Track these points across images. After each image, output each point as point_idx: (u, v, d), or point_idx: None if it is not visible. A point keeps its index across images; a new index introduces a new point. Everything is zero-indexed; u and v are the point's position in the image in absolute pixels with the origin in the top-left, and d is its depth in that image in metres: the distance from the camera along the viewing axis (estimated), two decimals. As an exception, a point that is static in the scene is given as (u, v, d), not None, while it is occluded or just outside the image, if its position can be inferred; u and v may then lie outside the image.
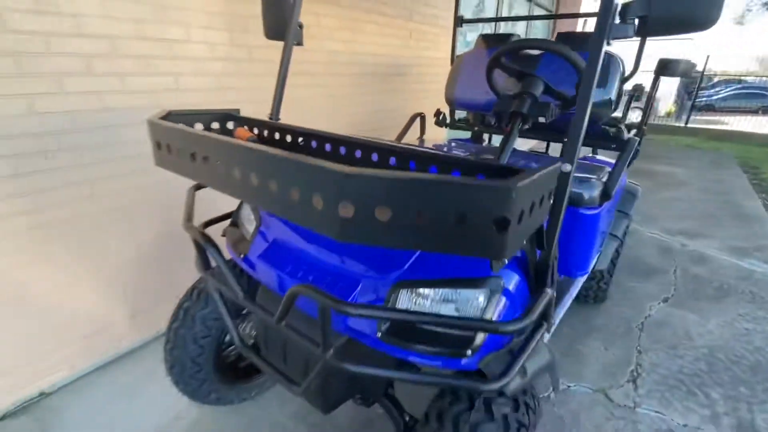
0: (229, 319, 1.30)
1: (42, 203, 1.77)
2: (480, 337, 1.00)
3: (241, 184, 0.80)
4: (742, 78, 17.33)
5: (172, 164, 1.01)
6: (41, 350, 1.92)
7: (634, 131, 2.34)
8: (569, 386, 2.11)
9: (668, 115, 13.35)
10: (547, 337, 1.61)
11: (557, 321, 1.78)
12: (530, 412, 1.11)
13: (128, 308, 2.20)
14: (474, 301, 1.02)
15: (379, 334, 1.05)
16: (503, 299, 1.04)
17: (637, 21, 0.95)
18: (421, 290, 1.05)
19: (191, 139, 0.91)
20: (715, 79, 16.10)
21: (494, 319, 1.01)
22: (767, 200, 5.29)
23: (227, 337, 1.76)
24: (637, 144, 2.21)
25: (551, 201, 0.89)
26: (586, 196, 1.85)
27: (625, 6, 0.95)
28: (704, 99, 15.54)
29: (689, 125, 10.74)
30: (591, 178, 1.93)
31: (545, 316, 1.07)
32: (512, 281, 1.08)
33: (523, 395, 1.13)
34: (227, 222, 1.58)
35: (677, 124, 11.00)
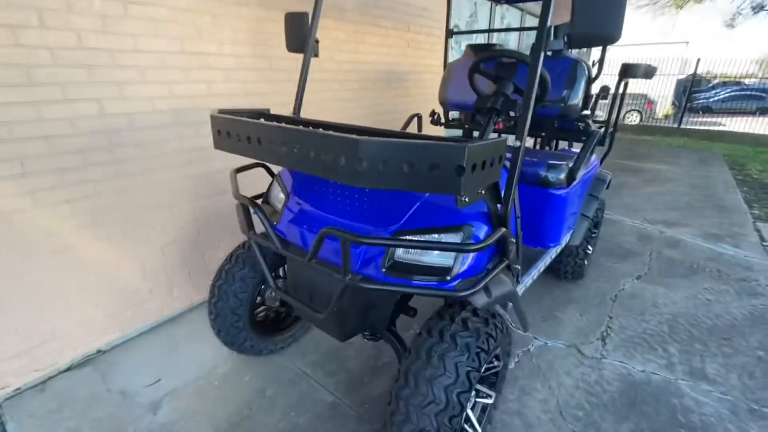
0: (267, 267, 1.67)
1: (102, 189, 2.15)
2: (456, 267, 1.37)
3: (287, 155, 1.18)
4: (741, 80, 17.62)
5: (230, 146, 1.39)
6: (97, 315, 2.30)
7: (604, 127, 2.70)
8: (546, 343, 2.46)
9: (666, 117, 13.65)
10: (521, 288, 1.97)
11: (529, 279, 2.13)
12: (497, 330, 1.47)
13: (167, 283, 2.58)
14: (452, 240, 1.39)
15: (384, 269, 1.42)
16: (473, 242, 1.41)
17: (565, 37, 1.32)
18: (414, 237, 1.42)
19: (248, 126, 1.29)
20: (714, 81, 16.39)
21: (459, 258, 1.38)
22: (748, 194, 5.61)
23: (258, 299, 2.14)
24: (602, 136, 2.58)
25: (501, 164, 1.26)
26: (553, 178, 2.22)
27: (556, 27, 1.32)
28: (702, 101, 15.84)
29: (683, 126, 11.07)
30: (560, 164, 2.30)
31: (504, 253, 1.44)
32: (481, 230, 1.45)
33: (492, 318, 1.49)
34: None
35: (672, 126, 11.34)
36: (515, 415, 1.95)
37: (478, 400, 1.70)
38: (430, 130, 3.26)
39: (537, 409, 1.98)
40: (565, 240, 2.53)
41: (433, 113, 3.21)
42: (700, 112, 15.46)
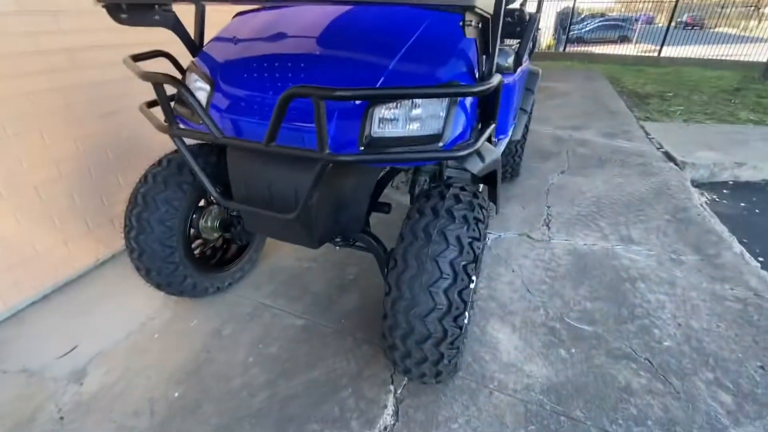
0: (201, 171, 1.32)
1: None
2: (447, 133, 1.20)
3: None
4: (605, 13, 19.80)
5: None
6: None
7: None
8: (500, 235, 2.53)
9: (548, 47, 14.83)
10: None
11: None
12: (482, 208, 1.38)
13: (57, 235, 2.00)
14: (439, 104, 1.21)
15: (361, 148, 1.19)
16: (457, 108, 1.24)
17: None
18: (393, 102, 1.19)
19: None
20: (583, 14, 18.12)
21: (451, 121, 1.21)
22: (627, 101, 6.40)
23: (192, 231, 1.76)
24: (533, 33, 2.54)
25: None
26: (504, 62, 2.13)
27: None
28: (576, 32, 17.48)
29: (566, 51, 12.11)
30: (506, 48, 2.21)
31: (491, 114, 1.31)
32: (467, 100, 1.28)
33: (476, 198, 1.39)
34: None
35: (558, 51, 12.32)
36: (489, 299, 1.98)
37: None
38: None
39: (507, 291, 2.04)
40: (510, 132, 2.54)
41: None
42: (575, 42, 17.09)
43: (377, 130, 1.21)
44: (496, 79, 1.17)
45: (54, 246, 1.99)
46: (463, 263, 1.19)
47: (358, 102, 1.19)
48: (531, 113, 3.14)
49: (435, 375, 1.32)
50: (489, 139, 1.45)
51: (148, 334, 1.78)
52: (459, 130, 1.23)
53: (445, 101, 1.21)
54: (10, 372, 1.60)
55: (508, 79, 2.18)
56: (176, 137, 1.30)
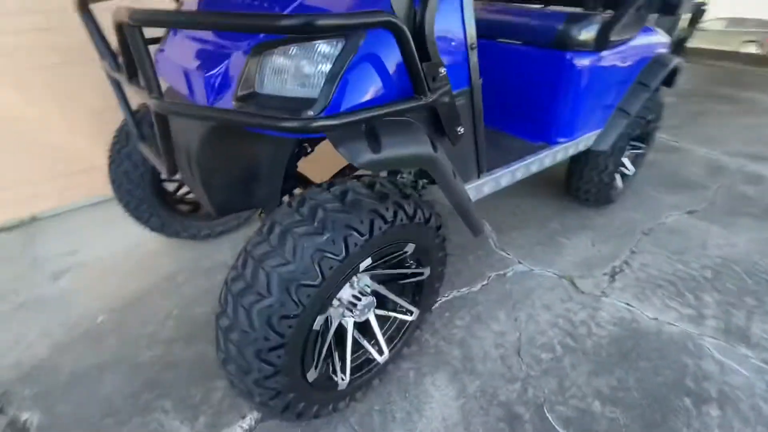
0: (126, 108, 1.25)
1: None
2: (323, 99, 0.84)
3: None
4: None
5: None
6: (35, 180, 2.12)
7: None
8: (532, 269, 1.91)
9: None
10: (486, 182, 1.40)
11: (505, 175, 1.51)
12: (406, 215, 0.97)
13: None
14: (326, 50, 0.85)
15: (233, 101, 0.93)
16: (361, 59, 0.85)
17: None
18: (278, 49, 0.89)
19: None
20: None
21: (339, 81, 0.83)
22: None
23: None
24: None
25: None
26: (575, 34, 1.50)
27: None
28: None
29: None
30: (589, 17, 1.55)
31: (423, 89, 0.87)
32: (381, 50, 0.88)
33: (403, 198, 0.98)
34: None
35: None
36: (456, 344, 1.51)
37: (395, 314, 1.27)
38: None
39: (488, 342, 1.52)
40: (584, 140, 1.84)
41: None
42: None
43: (258, 86, 0.93)
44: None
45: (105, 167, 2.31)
46: (297, 284, 0.84)
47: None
48: (655, 121, 2.24)
49: (262, 408, 1.01)
50: (446, 129, 1.00)
51: (128, 258, 1.92)
52: (349, 100, 0.85)
53: (338, 46, 0.84)
54: (26, 256, 1.92)
55: (582, 59, 1.55)
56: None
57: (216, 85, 0.99)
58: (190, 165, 1.16)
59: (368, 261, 0.97)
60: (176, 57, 1.14)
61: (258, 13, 0.90)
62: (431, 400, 1.31)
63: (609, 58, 1.65)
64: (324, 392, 1.09)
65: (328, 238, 0.86)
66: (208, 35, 1.10)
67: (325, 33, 0.78)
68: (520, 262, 1.96)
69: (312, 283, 0.84)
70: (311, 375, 1.00)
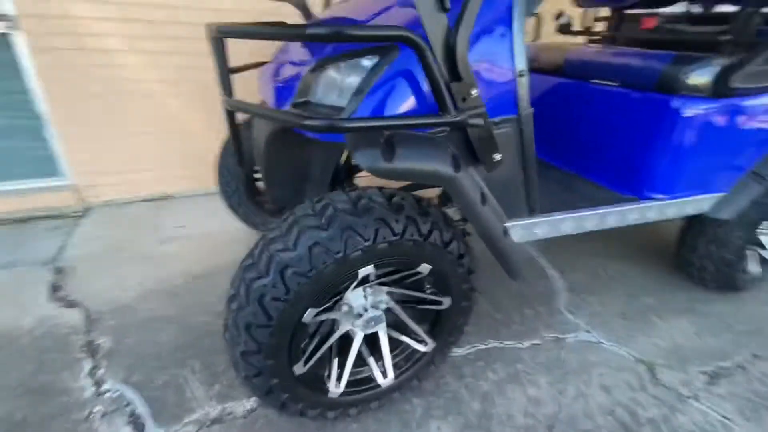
0: (234, 135, 1.47)
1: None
2: (351, 107, 0.90)
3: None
4: None
5: None
6: (174, 165, 2.68)
7: None
8: (601, 342, 1.61)
9: None
10: (540, 226, 1.27)
11: (565, 220, 1.31)
12: (427, 230, 0.96)
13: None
14: (365, 64, 0.93)
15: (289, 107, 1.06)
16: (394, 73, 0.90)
17: None
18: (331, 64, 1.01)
19: None
20: None
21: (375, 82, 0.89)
22: None
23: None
24: None
25: None
26: (685, 77, 1.32)
27: None
28: None
29: None
30: (706, 59, 1.34)
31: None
32: (414, 67, 0.91)
33: (423, 215, 0.98)
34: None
35: None
36: (479, 396, 1.35)
37: (406, 339, 1.23)
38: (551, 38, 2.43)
39: (517, 406, 1.32)
40: (694, 202, 1.54)
41: (560, 14, 2.36)
42: None
43: (312, 95, 1.05)
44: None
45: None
46: (294, 271, 0.89)
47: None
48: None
49: (246, 384, 1.04)
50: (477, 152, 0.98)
51: (214, 239, 2.24)
52: (382, 108, 0.90)
53: (374, 61, 0.91)
54: (150, 222, 2.41)
55: (691, 107, 1.35)
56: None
57: (283, 94, 1.14)
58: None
59: (370, 269, 0.96)
60: (267, 73, 1.36)
61: (299, 24, 1.03)
62: (429, 446, 1.19)
63: (738, 108, 1.37)
64: (312, 393, 1.09)
65: (329, 235, 0.89)
66: (293, 54, 1.28)
67: (351, 41, 0.85)
68: (587, 331, 1.68)
69: (304, 271, 0.88)
70: (298, 368, 1.02)
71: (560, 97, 1.75)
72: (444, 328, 1.22)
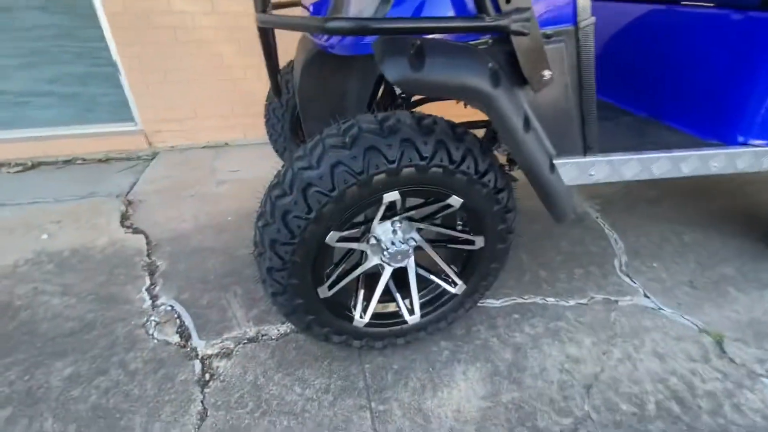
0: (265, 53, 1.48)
1: None
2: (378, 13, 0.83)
3: None
4: None
5: None
6: (229, 116, 2.79)
7: None
8: (660, 308, 1.45)
9: None
10: (590, 168, 1.13)
11: (618, 168, 1.15)
12: (458, 154, 0.89)
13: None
14: None
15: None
16: None
17: None
18: None
19: None
20: None
21: None
22: None
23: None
24: None
25: None
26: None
27: None
28: None
29: None
30: None
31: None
32: None
33: (455, 137, 0.90)
34: None
35: None
36: (511, 347, 1.29)
37: (435, 278, 1.19)
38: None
39: (552, 361, 1.25)
40: None
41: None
42: None
43: None
44: None
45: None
46: (313, 189, 0.87)
47: None
48: None
49: (273, 301, 1.07)
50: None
51: (263, 182, 2.32)
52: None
53: None
54: (209, 166, 2.56)
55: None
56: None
57: (319, 11, 1.10)
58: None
59: (395, 195, 0.92)
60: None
61: None
62: (454, 387, 1.17)
63: None
64: (336, 319, 1.10)
65: (352, 154, 0.86)
66: None
67: None
68: (646, 296, 1.51)
69: (325, 191, 0.86)
70: (323, 291, 1.03)
71: (636, 26, 1.51)
72: (476, 270, 1.16)
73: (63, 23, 2.40)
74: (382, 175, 0.87)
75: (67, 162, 2.57)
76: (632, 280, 1.59)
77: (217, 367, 1.22)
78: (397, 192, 0.92)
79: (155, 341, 1.29)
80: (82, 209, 2.02)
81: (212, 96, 2.73)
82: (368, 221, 1.04)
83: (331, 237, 0.94)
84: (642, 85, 1.52)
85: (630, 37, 1.55)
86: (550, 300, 1.49)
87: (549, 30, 0.88)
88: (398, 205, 1.00)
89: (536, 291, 1.53)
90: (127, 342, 1.29)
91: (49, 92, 2.56)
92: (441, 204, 1.01)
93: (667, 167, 1.21)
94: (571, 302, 1.48)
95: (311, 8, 1.13)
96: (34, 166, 2.51)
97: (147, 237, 1.81)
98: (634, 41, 1.52)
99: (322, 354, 1.26)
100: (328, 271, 1.05)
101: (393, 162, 0.86)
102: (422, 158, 0.88)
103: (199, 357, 1.25)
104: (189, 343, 1.29)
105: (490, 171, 0.97)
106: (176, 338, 1.30)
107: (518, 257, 1.71)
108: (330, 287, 1.05)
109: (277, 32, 1.23)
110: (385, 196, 0.92)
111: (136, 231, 1.85)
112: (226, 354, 1.26)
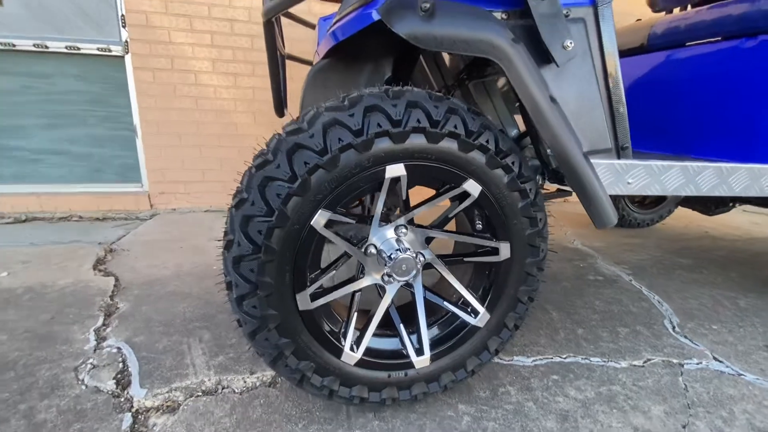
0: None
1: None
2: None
3: None
4: None
5: None
6: (231, 182, 2.80)
7: None
8: (739, 373, 1.12)
9: None
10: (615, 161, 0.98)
11: (659, 177, 0.98)
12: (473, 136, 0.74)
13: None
14: None
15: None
16: None
17: None
18: None
19: None
20: None
21: None
22: None
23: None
24: None
25: None
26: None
27: None
28: None
29: None
30: None
31: None
32: None
33: (471, 115, 0.77)
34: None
35: None
36: (554, 415, 0.95)
37: (451, 306, 0.93)
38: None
39: (614, 427, 0.90)
40: None
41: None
42: None
43: None
44: None
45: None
46: (302, 150, 0.71)
47: None
48: None
49: (236, 307, 0.80)
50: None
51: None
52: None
53: None
54: (208, 227, 2.44)
55: None
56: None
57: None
58: None
59: (400, 169, 0.75)
60: None
61: None
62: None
63: None
64: (319, 346, 0.83)
65: (350, 112, 0.73)
66: None
67: None
68: (717, 359, 1.19)
69: (315, 151, 0.71)
70: (303, 301, 0.79)
71: (649, 75, 1.50)
72: (502, 294, 0.91)
73: (94, 90, 2.57)
74: (385, 140, 0.72)
75: (63, 218, 2.48)
76: (693, 342, 1.28)
77: (154, 425, 0.89)
78: (402, 165, 0.76)
79: (83, 387, 0.99)
80: (56, 252, 1.84)
81: (223, 162, 2.76)
82: (365, 218, 0.86)
83: (320, 217, 0.75)
84: (665, 128, 1.46)
85: (642, 84, 1.54)
86: (595, 360, 1.17)
87: (566, 10, 0.82)
88: (402, 187, 0.81)
89: (576, 350, 1.22)
90: (46, 387, 0.98)
91: (65, 151, 2.61)
92: (455, 192, 0.83)
93: (715, 181, 1.04)
94: (623, 363, 1.16)
95: (321, 21, 1.14)
96: (27, 220, 2.42)
97: (117, 279, 1.59)
98: (648, 88, 1.51)
99: (297, 413, 0.93)
100: (312, 275, 0.82)
101: (398, 123, 0.72)
102: (431, 121, 0.74)
103: (132, 410, 0.93)
104: (126, 392, 0.98)
105: (513, 153, 0.81)
106: (111, 385, 1.00)
107: (547, 314, 1.43)
108: (313, 299, 0.81)
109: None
110: (388, 168, 0.75)
111: (108, 274, 1.64)
112: (171, 408, 0.94)
